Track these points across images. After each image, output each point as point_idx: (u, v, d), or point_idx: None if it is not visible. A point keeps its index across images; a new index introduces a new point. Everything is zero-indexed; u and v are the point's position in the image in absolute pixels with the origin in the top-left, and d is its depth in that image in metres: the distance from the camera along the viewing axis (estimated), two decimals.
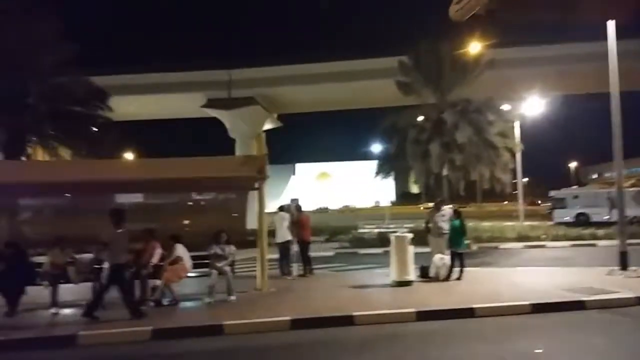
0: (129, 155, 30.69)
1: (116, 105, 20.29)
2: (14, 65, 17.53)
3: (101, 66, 25.84)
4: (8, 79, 17.45)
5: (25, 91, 18.26)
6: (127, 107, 31.38)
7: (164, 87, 31.87)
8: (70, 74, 18.68)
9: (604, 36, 11.47)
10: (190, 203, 11.74)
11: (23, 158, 18.55)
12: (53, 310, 8.38)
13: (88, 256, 9.34)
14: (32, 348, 6.83)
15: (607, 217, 26.08)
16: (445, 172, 20.00)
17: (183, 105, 34.64)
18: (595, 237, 19.60)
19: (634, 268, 10.67)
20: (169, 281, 8.90)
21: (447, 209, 11.76)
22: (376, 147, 32.43)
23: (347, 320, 7.62)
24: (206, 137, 42.96)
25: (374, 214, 37.84)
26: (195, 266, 9.55)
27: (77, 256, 9.04)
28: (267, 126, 36.19)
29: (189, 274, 9.55)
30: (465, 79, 21.59)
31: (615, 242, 11.70)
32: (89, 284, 8.90)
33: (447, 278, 10.56)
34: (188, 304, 9.11)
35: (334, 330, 7.32)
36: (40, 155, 21.55)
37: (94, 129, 19.92)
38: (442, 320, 7.58)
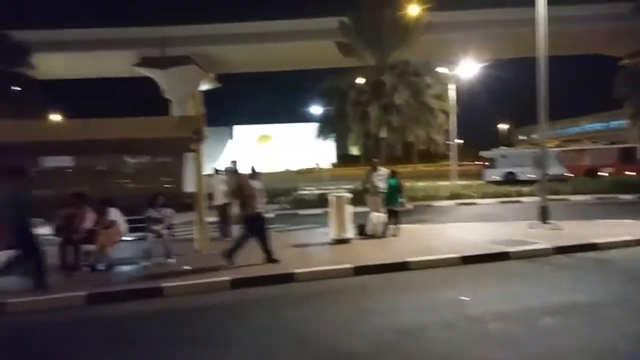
0: (56, 117, 28.96)
1: (41, 63, 18.98)
2: None
3: (23, 20, 23.86)
4: None
5: None
6: (53, 65, 29.38)
7: (92, 44, 29.97)
8: None
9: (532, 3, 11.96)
10: (126, 166, 11.35)
11: None
12: None
13: None
14: None
15: (532, 175, 27.73)
16: (383, 134, 20.41)
17: (114, 64, 32.87)
18: (520, 194, 20.85)
19: (552, 221, 11.51)
20: (103, 246, 8.67)
21: (384, 169, 12.08)
22: (316, 109, 32.50)
23: (288, 278, 7.79)
24: (141, 98, 41.05)
25: (315, 175, 38.11)
26: (132, 230, 9.33)
27: None
28: (204, 86, 35.20)
29: (125, 238, 9.34)
30: (404, 41, 21.89)
31: (538, 198, 12.54)
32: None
33: (383, 235, 10.96)
34: (125, 267, 8.95)
35: (275, 288, 7.47)
36: None
37: (16, 88, 18.66)
38: (378, 274, 7.93)
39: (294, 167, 73.90)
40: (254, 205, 8.66)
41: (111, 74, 36.78)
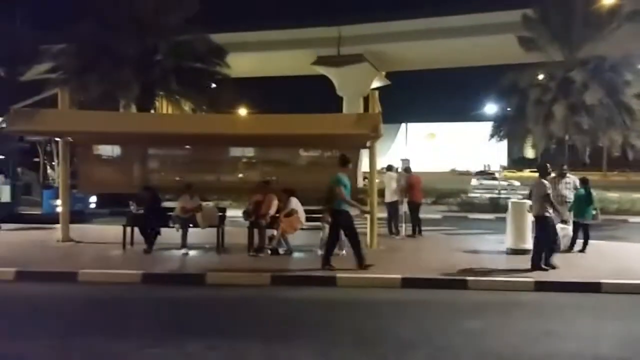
0: (242, 111, 32.11)
1: (232, 62, 21.13)
2: (145, 24, 18.95)
3: (217, 23, 26.74)
4: (141, 38, 18.94)
5: (154, 49, 19.70)
6: (242, 64, 32.53)
7: (276, 44, 32.37)
8: (192, 32, 19.77)
9: None
10: (304, 159, 12.06)
11: (152, 111, 20.24)
12: (183, 251, 9.21)
13: (211, 204, 10.10)
14: (167, 283, 7.60)
15: None
16: (569, 136, 18.50)
17: (293, 62, 35.09)
18: None
19: None
20: (284, 232, 9.32)
21: (572, 177, 10.93)
22: (490, 108, 30.87)
23: (460, 284, 7.49)
24: (312, 94, 43.48)
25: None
26: (307, 220, 9.86)
27: (204, 203, 9.75)
28: (375, 84, 35.63)
29: (302, 227, 9.91)
30: (599, 34, 19.45)
31: None
32: (213, 230, 9.65)
33: (568, 249, 9.91)
34: (302, 254, 9.52)
35: (446, 293, 7.25)
36: (165, 108, 23.34)
37: (213, 84, 21.07)
38: (563, 293, 7.19)
39: (462, 168, 71.00)
40: (545, 206, 8.31)
41: (292, 72, 39.44)
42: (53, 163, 13.93)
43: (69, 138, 10.46)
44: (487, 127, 23.59)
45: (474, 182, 34.07)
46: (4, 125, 9.51)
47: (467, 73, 44.09)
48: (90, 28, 18.60)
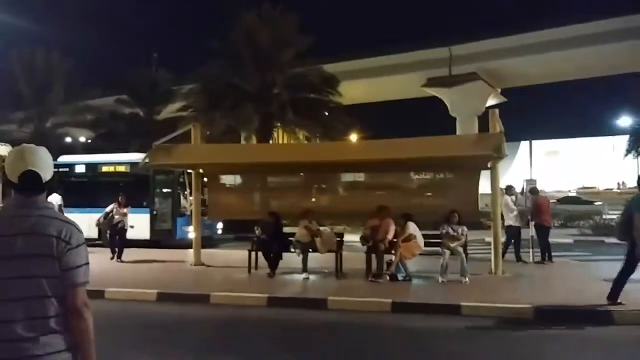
0: (353, 137, 32.52)
1: (343, 89, 21.64)
2: (264, 61, 20.24)
3: (328, 53, 27.61)
4: (260, 74, 20.24)
5: (272, 83, 20.91)
6: (353, 91, 33.13)
7: (386, 69, 32.50)
8: (306, 64, 20.70)
9: None
10: (422, 182, 11.87)
11: (270, 141, 21.36)
12: (304, 275, 9.44)
13: (328, 229, 10.28)
14: (291, 307, 7.80)
15: None
16: None
17: (403, 86, 34.93)
18: None
19: None
20: (403, 257, 9.18)
21: None
22: (624, 121, 28.02)
23: (605, 318, 6.73)
24: (422, 116, 42.80)
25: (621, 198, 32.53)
26: (426, 245, 9.63)
27: (322, 228, 9.95)
28: (490, 102, 34.16)
29: (421, 252, 9.69)
30: None
31: None
32: (330, 254, 9.79)
33: None
34: (421, 281, 9.28)
35: (588, 327, 6.56)
36: (281, 137, 24.48)
37: (326, 113, 21.73)
38: None
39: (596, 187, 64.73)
40: None
41: (402, 95, 39.25)
42: (185, 192, 15.19)
43: (201, 169, 11.39)
44: (621, 141, 21.46)
45: None
46: (147, 160, 10.58)
47: (590, 84, 40.61)
48: (215, 68, 20.31)
